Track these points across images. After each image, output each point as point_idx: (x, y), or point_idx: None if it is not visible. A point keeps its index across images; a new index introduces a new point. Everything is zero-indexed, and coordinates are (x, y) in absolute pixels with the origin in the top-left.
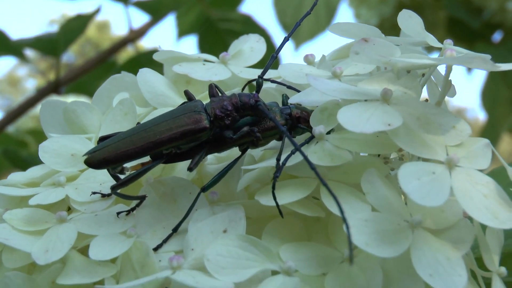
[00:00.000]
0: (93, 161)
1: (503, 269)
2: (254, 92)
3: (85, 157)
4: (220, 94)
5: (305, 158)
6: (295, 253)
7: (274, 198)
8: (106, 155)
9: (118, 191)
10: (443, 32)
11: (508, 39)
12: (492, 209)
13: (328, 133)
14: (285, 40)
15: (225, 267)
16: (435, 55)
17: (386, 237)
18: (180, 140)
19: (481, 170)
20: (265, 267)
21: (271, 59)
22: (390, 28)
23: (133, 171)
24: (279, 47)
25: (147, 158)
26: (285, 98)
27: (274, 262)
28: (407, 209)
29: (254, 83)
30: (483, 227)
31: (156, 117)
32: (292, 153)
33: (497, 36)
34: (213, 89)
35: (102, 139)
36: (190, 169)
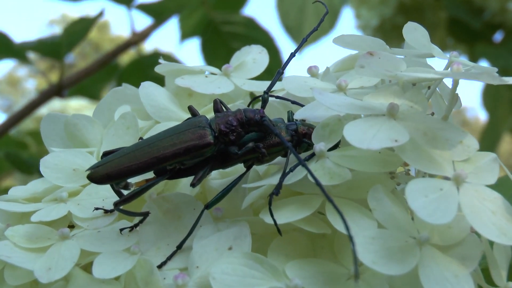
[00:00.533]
0: (96, 176)
1: (511, 284)
2: (259, 108)
3: (88, 172)
4: (225, 110)
5: (312, 174)
6: (301, 270)
7: (271, 215)
8: (109, 170)
9: (121, 207)
10: (444, 32)
11: (509, 39)
12: (500, 225)
13: (334, 148)
14: (292, 56)
15: (231, 286)
16: (436, 58)
17: (393, 255)
18: (184, 155)
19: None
20: (271, 285)
21: (277, 74)
22: (391, 29)
23: (136, 187)
24: (285, 63)
25: (151, 174)
26: (290, 114)
27: (280, 280)
28: (414, 226)
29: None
30: (491, 242)
31: (160, 132)
32: (291, 170)
33: (498, 36)
34: (218, 105)
35: (105, 154)
36: (193, 185)
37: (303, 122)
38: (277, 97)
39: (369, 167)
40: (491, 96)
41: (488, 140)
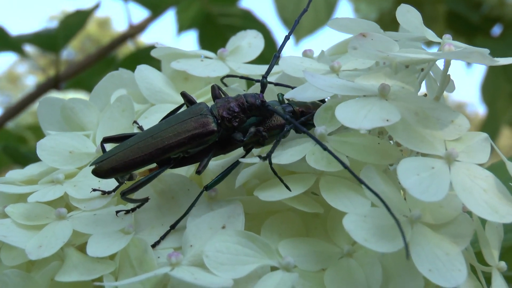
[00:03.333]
0: (101, 170)
1: (503, 264)
2: (259, 93)
3: (92, 167)
4: (223, 95)
5: (332, 154)
6: (294, 249)
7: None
8: (114, 164)
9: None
10: (443, 26)
11: (507, 32)
12: (491, 203)
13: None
14: (286, 39)
15: (224, 263)
16: (435, 49)
17: (385, 232)
18: (188, 144)
19: (480, 165)
20: (264, 263)
21: (273, 58)
22: (390, 22)
23: (141, 177)
24: (280, 46)
25: (154, 164)
26: (280, 96)
27: (273, 258)
28: (406, 204)
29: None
30: (483, 221)
31: (162, 122)
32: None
33: (496, 30)
34: (216, 91)
35: (105, 140)
36: (198, 172)
37: (296, 102)
38: (277, 84)
39: (367, 157)
40: (490, 89)
41: (487, 133)
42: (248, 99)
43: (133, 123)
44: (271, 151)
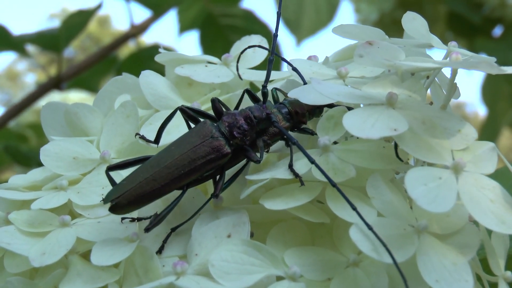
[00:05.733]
0: (119, 206)
1: (509, 274)
2: (261, 104)
3: (109, 204)
4: (223, 109)
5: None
6: (300, 258)
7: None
8: (132, 199)
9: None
10: (443, 27)
11: (508, 33)
12: (498, 214)
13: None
14: (275, 37)
15: (230, 273)
16: (436, 50)
17: (392, 243)
18: (203, 169)
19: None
20: (270, 272)
21: (269, 63)
22: (390, 23)
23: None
24: (272, 47)
25: None
26: (274, 92)
27: (279, 267)
28: (413, 214)
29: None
30: (489, 231)
31: (171, 147)
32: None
33: (497, 31)
34: (217, 104)
35: (110, 168)
36: (216, 196)
37: (290, 101)
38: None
39: (373, 163)
40: (490, 90)
41: (487, 135)
42: (255, 114)
43: (135, 135)
44: (291, 162)
